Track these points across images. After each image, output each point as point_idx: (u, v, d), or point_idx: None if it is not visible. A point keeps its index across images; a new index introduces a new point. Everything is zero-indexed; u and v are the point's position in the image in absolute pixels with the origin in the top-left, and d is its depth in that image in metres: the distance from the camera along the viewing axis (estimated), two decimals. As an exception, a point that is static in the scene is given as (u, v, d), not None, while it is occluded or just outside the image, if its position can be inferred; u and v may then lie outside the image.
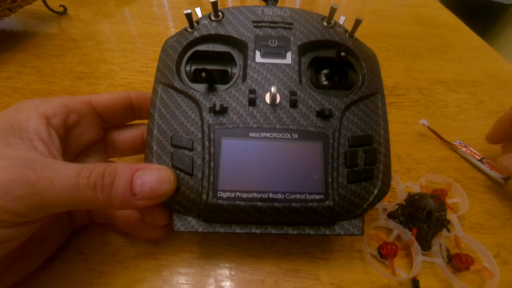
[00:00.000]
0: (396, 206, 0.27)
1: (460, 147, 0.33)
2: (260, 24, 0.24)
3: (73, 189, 0.16)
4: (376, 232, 0.26)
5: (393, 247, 0.24)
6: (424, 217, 0.24)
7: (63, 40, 0.49)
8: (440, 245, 0.24)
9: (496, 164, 0.30)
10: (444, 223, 0.24)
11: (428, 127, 0.35)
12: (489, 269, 0.23)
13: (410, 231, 0.25)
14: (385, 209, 0.27)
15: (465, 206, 0.28)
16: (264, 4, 0.27)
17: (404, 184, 0.29)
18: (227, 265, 0.24)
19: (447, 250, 0.25)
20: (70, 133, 0.22)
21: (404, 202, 0.27)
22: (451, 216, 0.26)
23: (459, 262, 0.23)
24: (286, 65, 0.23)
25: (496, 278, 0.23)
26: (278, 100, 0.22)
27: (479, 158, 0.32)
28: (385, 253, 0.24)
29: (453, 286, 0.23)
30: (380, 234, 0.25)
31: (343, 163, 0.21)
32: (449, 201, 0.28)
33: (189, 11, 0.23)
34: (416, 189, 0.29)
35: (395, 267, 0.23)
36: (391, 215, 0.27)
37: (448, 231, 0.25)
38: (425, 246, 0.24)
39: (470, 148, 0.33)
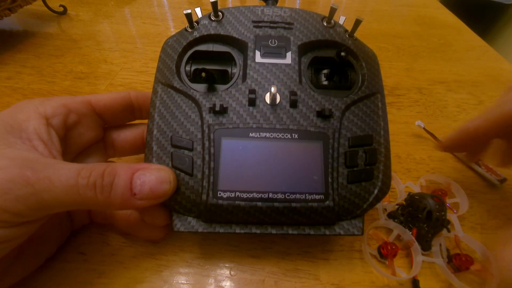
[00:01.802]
0: (396, 206, 0.27)
1: None
2: (260, 24, 0.24)
3: (73, 189, 0.16)
4: (376, 232, 0.26)
5: (393, 247, 0.24)
6: (424, 217, 0.24)
7: (63, 40, 0.49)
8: (440, 245, 0.24)
9: (494, 263, 0.23)
10: (444, 223, 0.24)
11: (424, 128, 0.35)
12: (489, 269, 0.23)
13: (410, 231, 0.25)
14: (385, 209, 0.27)
15: (465, 206, 0.28)
16: (264, 4, 0.27)
17: (404, 184, 0.29)
18: (227, 265, 0.24)
19: (447, 250, 0.25)
20: (70, 133, 0.22)
21: (404, 202, 0.27)
22: (451, 216, 0.26)
23: (459, 262, 0.23)
24: (286, 65, 0.23)
25: (496, 278, 0.23)
26: (278, 100, 0.22)
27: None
28: (385, 253, 0.24)
29: (453, 286, 0.23)
30: (380, 234, 0.25)
31: (343, 163, 0.21)
32: (449, 201, 0.28)
33: (189, 11, 0.23)
34: (416, 189, 0.29)
35: (395, 267, 0.23)
36: (391, 215, 0.27)
37: (448, 231, 0.25)
38: (425, 246, 0.24)
39: None
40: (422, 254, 0.24)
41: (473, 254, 0.24)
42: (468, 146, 0.25)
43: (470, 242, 0.25)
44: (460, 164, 0.33)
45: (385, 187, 0.21)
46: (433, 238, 0.25)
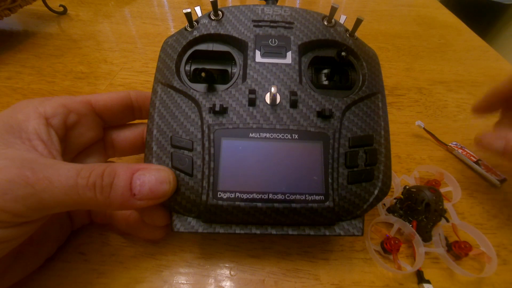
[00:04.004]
0: (394, 200, 0.27)
1: (456, 149, 0.33)
2: (260, 24, 0.24)
3: (72, 190, 0.16)
4: (378, 228, 0.26)
5: (396, 241, 0.24)
6: (423, 209, 0.25)
7: (63, 40, 0.49)
8: (439, 234, 0.25)
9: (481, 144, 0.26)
10: (442, 213, 0.25)
11: (424, 128, 0.35)
12: (486, 253, 0.24)
13: (410, 224, 0.25)
14: (384, 204, 0.28)
15: (458, 194, 0.28)
16: (264, 3, 0.27)
17: (399, 178, 0.29)
18: (227, 265, 0.24)
19: (446, 238, 0.25)
20: (70, 133, 0.22)
21: (402, 196, 0.27)
22: (446, 205, 0.27)
23: (458, 250, 0.24)
24: (286, 64, 0.23)
25: (494, 261, 0.23)
26: (278, 100, 0.22)
27: (475, 160, 0.32)
28: (388, 248, 0.24)
29: (455, 274, 0.23)
30: (382, 229, 0.26)
31: (343, 164, 0.21)
32: (442, 190, 0.28)
33: (189, 10, 0.23)
34: (411, 181, 0.29)
35: (399, 261, 0.24)
36: (391, 210, 0.27)
37: (447, 221, 0.25)
38: (426, 237, 0.25)
39: (466, 150, 0.33)
40: (424, 246, 0.24)
41: (470, 240, 0.25)
42: (498, 106, 0.26)
43: (467, 229, 0.25)
44: (460, 164, 0.33)
45: (386, 188, 0.21)
46: (432, 229, 0.25)
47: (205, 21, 0.24)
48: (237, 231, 0.20)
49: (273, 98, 0.21)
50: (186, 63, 0.24)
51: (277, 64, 0.23)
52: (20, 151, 0.17)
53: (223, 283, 0.23)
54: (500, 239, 0.26)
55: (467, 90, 0.43)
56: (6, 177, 0.15)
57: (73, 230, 0.24)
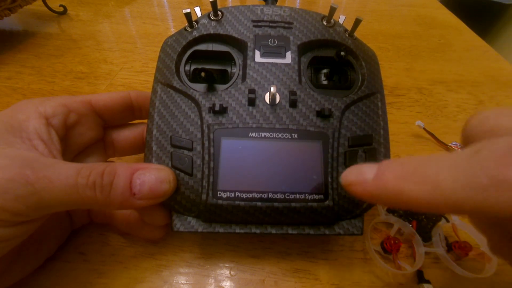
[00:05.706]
0: None
1: (456, 149, 0.33)
2: (259, 24, 0.24)
3: (72, 189, 0.16)
4: (378, 228, 0.26)
5: (396, 241, 0.24)
6: None
7: (63, 40, 0.49)
8: (439, 234, 0.25)
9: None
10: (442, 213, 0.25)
11: (424, 128, 0.35)
12: (486, 253, 0.24)
13: (410, 224, 0.25)
14: None
15: None
16: (264, 3, 0.27)
17: None
18: (227, 265, 0.24)
19: (446, 238, 0.25)
20: (70, 133, 0.22)
21: None
22: None
23: (458, 250, 0.24)
24: (286, 64, 0.23)
25: (494, 262, 0.23)
26: (277, 100, 0.22)
27: None
28: (388, 248, 0.24)
29: (455, 274, 0.23)
30: (382, 229, 0.26)
31: (342, 163, 0.21)
32: None
33: (188, 10, 0.23)
34: None
35: (399, 261, 0.23)
36: (390, 210, 0.27)
37: (447, 220, 0.25)
38: (426, 237, 0.25)
39: None
40: (424, 246, 0.24)
41: (470, 240, 0.24)
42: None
43: (467, 229, 0.25)
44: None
45: (385, 187, 0.21)
46: (432, 229, 0.25)
47: (205, 21, 0.24)
48: (237, 231, 0.20)
49: (273, 97, 0.21)
50: (186, 63, 0.24)
51: (276, 64, 0.23)
52: (21, 150, 0.17)
53: (223, 283, 0.23)
54: (500, 239, 0.26)
55: (467, 90, 0.43)
56: (6, 176, 0.15)
57: (73, 230, 0.24)
